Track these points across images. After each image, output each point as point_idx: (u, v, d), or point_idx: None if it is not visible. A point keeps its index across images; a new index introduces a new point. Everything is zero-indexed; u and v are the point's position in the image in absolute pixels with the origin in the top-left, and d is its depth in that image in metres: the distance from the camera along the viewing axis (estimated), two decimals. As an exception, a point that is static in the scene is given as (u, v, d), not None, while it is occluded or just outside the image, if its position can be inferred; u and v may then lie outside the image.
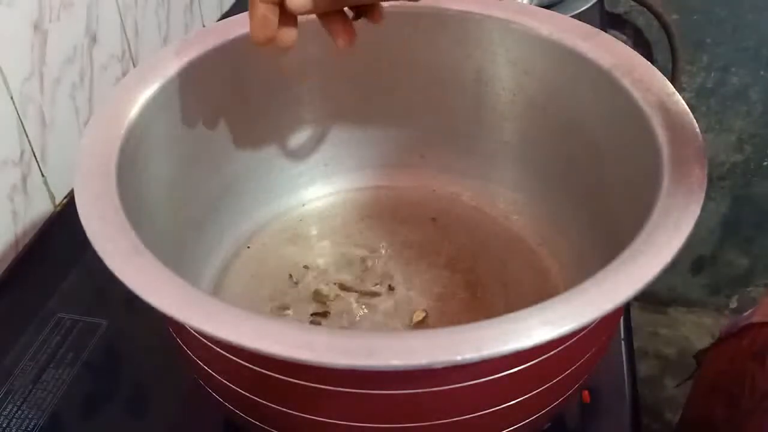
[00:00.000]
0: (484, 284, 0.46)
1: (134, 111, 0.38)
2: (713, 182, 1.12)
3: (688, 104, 0.37)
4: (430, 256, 0.48)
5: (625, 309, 0.47)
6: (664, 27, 0.97)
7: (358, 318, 0.44)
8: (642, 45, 1.02)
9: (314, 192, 0.52)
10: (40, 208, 0.53)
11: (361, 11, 0.37)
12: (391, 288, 0.45)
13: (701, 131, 0.35)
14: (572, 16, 0.44)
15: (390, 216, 0.50)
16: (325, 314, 0.44)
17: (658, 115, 0.36)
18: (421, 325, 0.44)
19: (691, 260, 1.23)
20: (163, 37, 0.66)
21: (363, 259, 0.47)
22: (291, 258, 0.48)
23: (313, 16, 0.35)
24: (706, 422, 0.58)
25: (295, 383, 0.29)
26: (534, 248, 0.48)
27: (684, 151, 0.34)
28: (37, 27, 0.49)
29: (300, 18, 0.35)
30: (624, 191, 0.38)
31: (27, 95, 0.49)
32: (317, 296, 0.45)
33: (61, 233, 0.53)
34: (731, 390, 0.54)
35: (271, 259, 0.48)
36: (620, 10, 1.00)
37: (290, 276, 0.47)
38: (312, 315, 0.44)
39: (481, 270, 0.47)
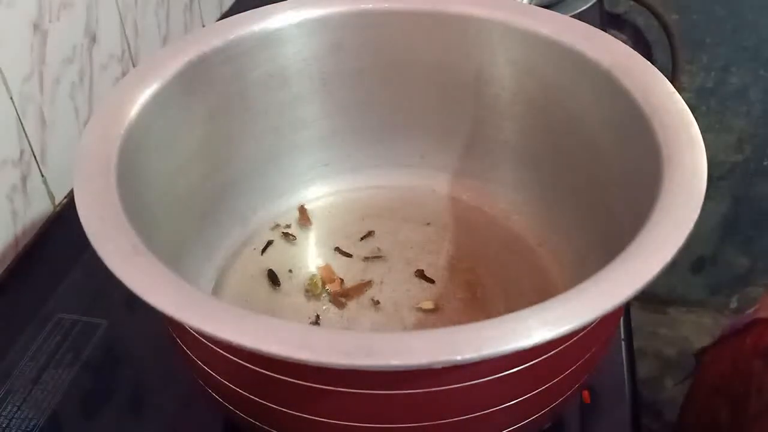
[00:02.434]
0: (484, 284, 0.46)
1: (134, 111, 0.38)
2: (713, 182, 1.12)
3: (688, 104, 0.37)
4: (430, 256, 0.48)
5: (625, 309, 0.47)
6: (664, 27, 0.97)
7: (357, 318, 0.44)
8: (642, 45, 1.02)
9: (314, 192, 0.52)
10: (40, 208, 0.53)
11: None
12: (380, 301, 0.45)
13: (701, 131, 0.35)
14: (572, 16, 0.44)
15: (390, 216, 0.50)
16: (319, 317, 0.44)
17: (658, 115, 0.36)
18: (430, 313, 0.44)
19: (691, 260, 1.23)
20: (163, 37, 0.66)
21: (362, 259, 0.47)
22: (291, 258, 0.48)
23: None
24: (708, 426, 0.57)
25: (295, 383, 0.29)
26: (534, 248, 0.48)
27: (684, 151, 0.34)
28: (36, 27, 0.49)
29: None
30: (624, 191, 0.38)
31: (27, 95, 0.49)
32: (316, 296, 0.45)
33: (60, 233, 0.53)
34: (736, 392, 0.53)
35: (271, 259, 0.48)
36: (620, 10, 1.00)
37: (290, 276, 0.47)
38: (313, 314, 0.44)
39: (480, 270, 0.47)
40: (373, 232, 0.49)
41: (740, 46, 0.99)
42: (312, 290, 0.45)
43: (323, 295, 0.45)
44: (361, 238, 0.49)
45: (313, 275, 0.46)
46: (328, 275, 0.46)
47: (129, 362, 0.45)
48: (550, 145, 0.46)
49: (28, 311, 0.47)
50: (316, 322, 0.44)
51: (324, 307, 0.45)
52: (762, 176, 1.12)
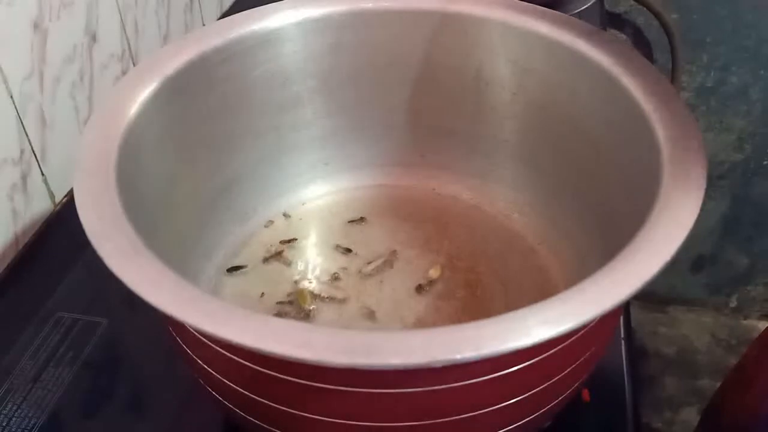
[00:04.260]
0: (483, 283, 0.46)
1: (133, 110, 0.38)
2: (713, 182, 1.12)
3: (688, 104, 0.37)
4: (430, 255, 0.48)
5: (625, 308, 0.47)
6: (664, 26, 0.97)
7: (356, 317, 0.44)
8: (642, 44, 1.02)
9: (314, 191, 0.52)
10: (40, 206, 0.53)
11: None
12: (379, 300, 0.45)
13: (701, 131, 0.35)
14: (572, 15, 0.44)
15: (390, 215, 0.50)
16: (311, 312, 0.44)
17: (658, 114, 0.36)
18: (433, 284, 0.45)
19: (691, 259, 1.23)
20: (163, 36, 0.66)
21: (363, 258, 0.47)
22: (291, 257, 0.48)
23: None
24: None
25: (295, 382, 0.29)
26: (534, 247, 0.48)
27: (684, 151, 0.34)
28: (37, 26, 0.49)
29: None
30: (624, 190, 0.38)
31: (27, 94, 0.49)
32: (316, 294, 0.45)
33: (60, 232, 0.53)
34: None
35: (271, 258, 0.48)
36: (620, 9, 1.00)
37: (290, 275, 0.47)
38: (308, 310, 0.44)
39: (480, 269, 0.47)
40: (374, 232, 0.49)
41: (740, 46, 0.99)
42: (311, 289, 0.45)
43: (322, 293, 0.45)
44: (363, 239, 0.49)
45: (313, 274, 0.46)
46: (327, 274, 0.46)
47: (129, 361, 0.45)
48: (550, 145, 0.46)
49: (28, 310, 0.47)
50: (306, 317, 0.44)
51: (322, 306, 0.45)
52: (762, 176, 1.12)
